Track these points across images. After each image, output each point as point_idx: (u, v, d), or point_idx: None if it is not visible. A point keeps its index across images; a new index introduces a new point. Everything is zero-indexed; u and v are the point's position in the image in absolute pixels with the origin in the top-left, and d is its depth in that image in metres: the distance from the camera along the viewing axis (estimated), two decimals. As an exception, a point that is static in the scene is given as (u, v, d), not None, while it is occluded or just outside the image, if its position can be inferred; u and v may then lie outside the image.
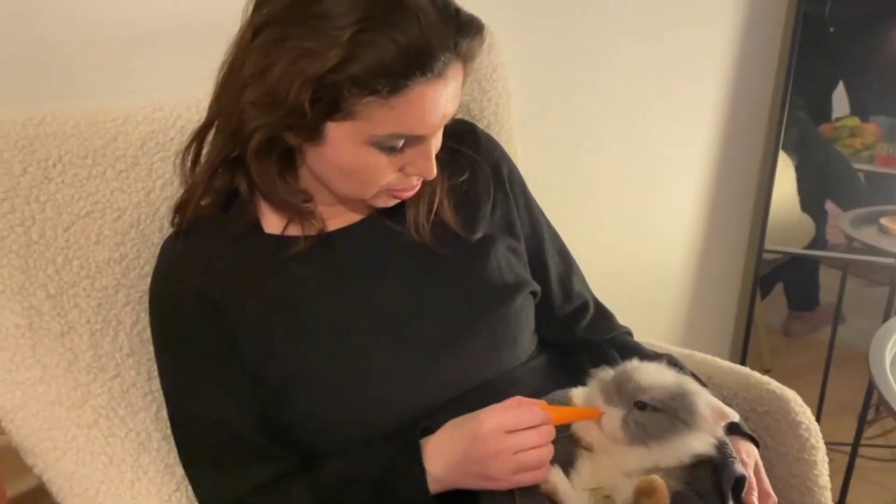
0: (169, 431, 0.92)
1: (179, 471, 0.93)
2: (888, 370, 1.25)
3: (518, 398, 0.82)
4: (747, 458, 0.89)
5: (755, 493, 0.85)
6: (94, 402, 0.89)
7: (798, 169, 2.05)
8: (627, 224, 1.73)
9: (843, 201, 2.08)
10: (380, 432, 0.86)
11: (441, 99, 0.75)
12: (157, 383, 0.92)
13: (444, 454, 0.80)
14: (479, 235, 0.96)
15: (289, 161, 0.85)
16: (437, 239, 0.93)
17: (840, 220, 1.90)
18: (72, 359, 0.88)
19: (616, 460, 0.84)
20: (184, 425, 0.90)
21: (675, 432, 0.83)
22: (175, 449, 0.92)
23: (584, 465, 0.86)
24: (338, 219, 0.92)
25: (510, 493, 0.82)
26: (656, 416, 0.83)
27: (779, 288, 2.42)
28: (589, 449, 0.87)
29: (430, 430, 0.83)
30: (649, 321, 1.77)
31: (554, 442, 0.83)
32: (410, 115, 0.74)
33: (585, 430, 0.87)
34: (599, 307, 1.12)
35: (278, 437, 0.89)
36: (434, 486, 0.81)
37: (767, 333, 2.38)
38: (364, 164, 0.78)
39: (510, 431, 0.78)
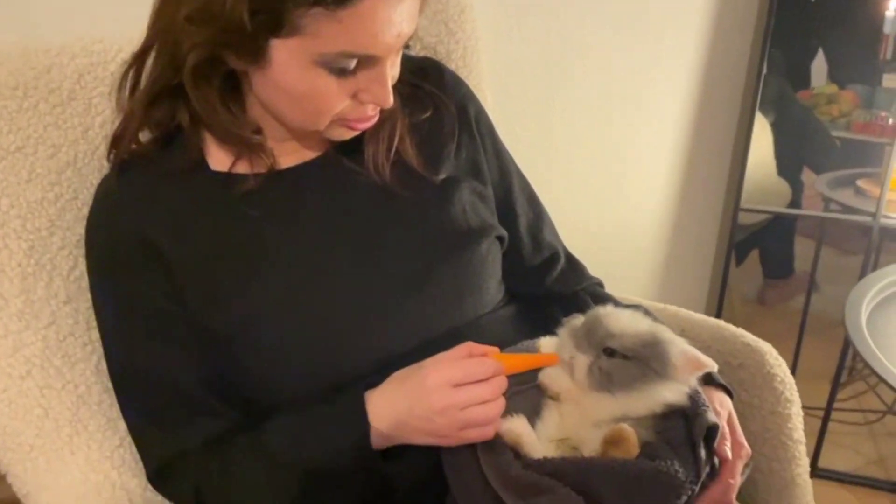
0: (111, 385, 0.86)
1: (123, 426, 0.87)
2: (864, 327, 1.22)
3: (468, 345, 0.77)
4: (721, 408, 0.84)
5: (728, 443, 0.81)
6: (27, 352, 0.83)
7: (775, 133, 2.02)
8: (602, 180, 1.68)
9: (820, 167, 2.07)
10: (336, 385, 0.81)
11: (395, 15, 0.69)
12: (97, 333, 0.86)
13: (388, 409, 0.75)
14: (442, 176, 0.90)
15: (234, 88, 0.78)
16: (398, 179, 0.87)
17: (817, 182, 1.87)
18: (1, 304, 0.81)
19: (584, 410, 0.80)
20: (124, 378, 0.84)
21: (645, 381, 0.79)
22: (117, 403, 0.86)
23: (550, 415, 0.81)
24: (291, 156, 0.86)
25: (471, 444, 0.77)
26: (625, 363, 0.78)
27: (753, 256, 2.40)
28: (556, 399, 0.82)
29: (376, 384, 0.78)
30: (624, 279, 1.73)
31: (506, 394, 0.78)
32: (361, 31, 0.68)
33: (552, 380, 0.82)
34: (570, 258, 1.07)
35: (226, 396, 0.83)
36: (379, 443, 0.76)
37: (742, 302, 2.36)
38: (313, 88, 0.72)
39: (458, 385, 0.73)
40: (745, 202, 1.81)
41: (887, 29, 2.01)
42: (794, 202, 2.19)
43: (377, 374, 0.79)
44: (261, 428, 0.80)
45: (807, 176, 2.09)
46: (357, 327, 0.82)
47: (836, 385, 1.69)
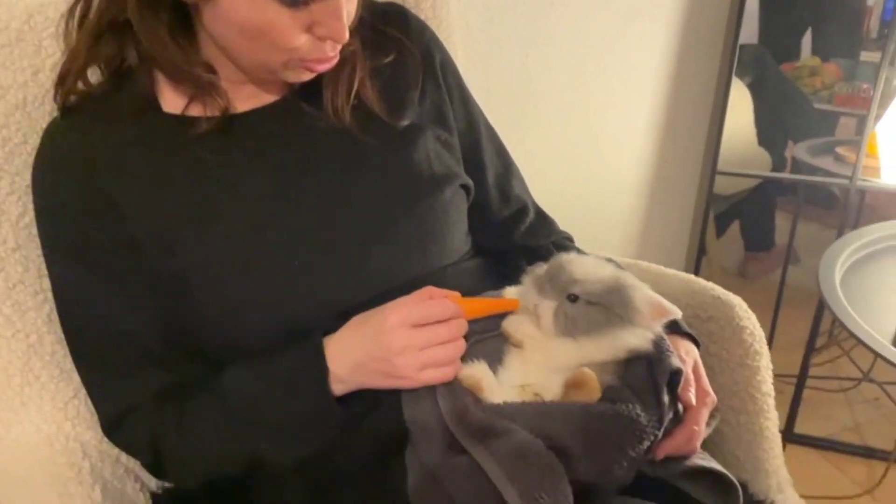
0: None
1: (77, 376, 0.85)
2: (838, 287, 1.21)
3: (428, 289, 0.76)
4: (686, 356, 0.83)
5: (692, 390, 0.80)
6: (-26, 299, 0.80)
7: (755, 102, 2.01)
8: (577, 140, 1.66)
9: (800, 136, 2.06)
10: (295, 335, 0.79)
11: None
12: (49, 282, 0.83)
13: (347, 353, 0.74)
14: (405, 123, 0.88)
15: (184, 23, 0.75)
16: (359, 125, 0.85)
17: (796, 149, 1.86)
18: (-55, 249, 0.79)
19: (546, 357, 0.79)
20: (75, 328, 0.81)
21: (608, 326, 0.77)
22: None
23: (512, 362, 0.80)
24: (248, 101, 0.83)
25: (431, 389, 0.76)
26: (589, 309, 0.77)
27: (734, 229, 2.40)
28: (519, 346, 0.81)
29: (334, 332, 0.77)
30: (600, 242, 1.71)
31: (468, 340, 0.77)
32: None
33: (515, 327, 0.81)
34: (540, 213, 1.06)
35: (182, 347, 0.81)
36: (338, 388, 0.74)
37: (722, 274, 2.36)
38: (265, 21, 0.69)
39: (417, 326, 0.72)
40: (723, 166, 1.79)
41: (870, 0, 2.02)
42: (776, 169, 2.20)
43: (336, 323, 0.77)
44: (217, 377, 0.78)
45: (788, 148, 2.10)
46: (316, 275, 0.80)
47: (809, 349, 1.68)
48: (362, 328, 0.75)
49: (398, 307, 0.74)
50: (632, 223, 1.84)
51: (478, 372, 0.76)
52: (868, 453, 1.71)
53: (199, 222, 0.78)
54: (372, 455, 0.78)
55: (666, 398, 0.76)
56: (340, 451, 0.78)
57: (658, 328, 0.80)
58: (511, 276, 0.87)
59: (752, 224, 2.40)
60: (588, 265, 0.80)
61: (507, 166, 1.02)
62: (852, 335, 1.08)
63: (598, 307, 0.77)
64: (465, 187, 0.93)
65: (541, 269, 0.82)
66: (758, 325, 0.97)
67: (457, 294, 0.77)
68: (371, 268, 0.82)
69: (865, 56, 2.06)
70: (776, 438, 0.97)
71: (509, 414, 0.73)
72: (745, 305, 0.98)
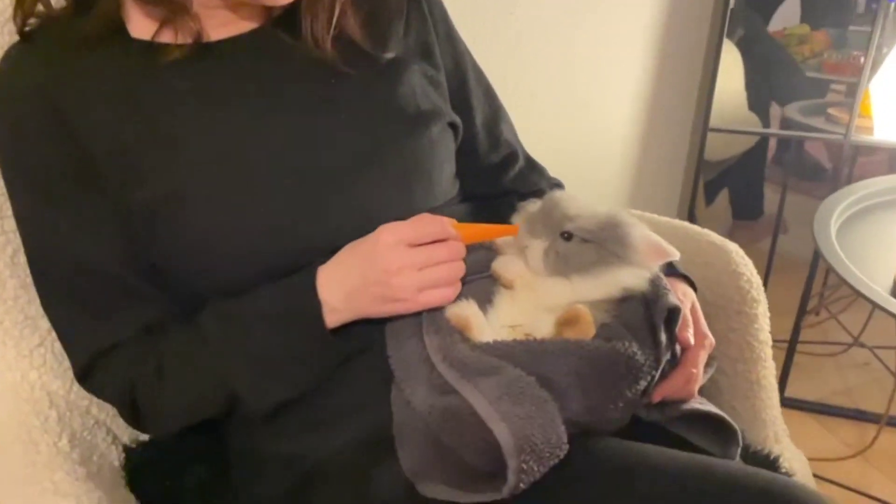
0: (30, 279, 0.79)
1: (44, 324, 0.81)
2: (834, 240, 1.18)
3: (423, 215, 0.73)
4: (683, 297, 0.80)
5: (690, 330, 0.76)
6: (-70, 239, 0.75)
7: (746, 66, 1.98)
8: (566, 94, 1.62)
9: (789, 100, 2.04)
10: (270, 277, 0.74)
11: None
12: (11, 223, 0.79)
13: (340, 280, 0.70)
14: (390, 55, 0.83)
15: None
16: (341, 56, 0.80)
17: (788, 109, 1.83)
18: None
19: (538, 296, 0.75)
20: (43, 266, 0.77)
21: (603, 265, 0.74)
22: (38, 299, 0.79)
23: (503, 302, 0.76)
24: (223, 28, 0.78)
25: (418, 329, 0.72)
26: (582, 247, 0.74)
27: (723, 198, 2.37)
28: (509, 287, 0.77)
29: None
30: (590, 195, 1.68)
31: (465, 281, 0.73)
32: None
33: (506, 267, 0.77)
34: (529, 160, 1.02)
35: (158, 284, 0.77)
36: (332, 318, 0.71)
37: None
38: None
39: (413, 245, 0.69)
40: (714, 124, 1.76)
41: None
42: (765, 137, 2.18)
43: (320, 260, 0.73)
44: (199, 314, 0.74)
45: (779, 112, 2.07)
46: (294, 212, 0.75)
47: (801, 311, 1.66)
48: (355, 251, 0.71)
49: (392, 227, 0.70)
50: (622, 182, 1.81)
51: (466, 310, 0.72)
52: (859, 416, 1.70)
53: (170, 150, 0.74)
54: (361, 399, 0.74)
55: (663, 337, 0.73)
56: (328, 396, 0.74)
57: (655, 268, 0.77)
58: (499, 223, 0.84)
59: (740, 192, 2.37)
60: (582, 202, 0.77)
61: (495, 109, 0.98)
62: (851, 287, 1.06)
63: (592, 245, 0.74)
64: (452, 126, 0.88)
65: (533, 206, 0.79)
66: (755, 271, 0.94)
67: (452, 220, 0.74)
68: (351, 205, 0.78)
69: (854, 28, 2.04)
70: (773, 388, 0.95)
71: (499, 352, 0.69)
72: (741, 252, 0.95)
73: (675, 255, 0.76)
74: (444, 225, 0.71)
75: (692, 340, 0.76)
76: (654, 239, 0.76)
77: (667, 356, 0.73)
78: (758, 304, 0.92)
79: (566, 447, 0.65)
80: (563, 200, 0.77)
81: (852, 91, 1.77)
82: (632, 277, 0.75)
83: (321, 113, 0.79)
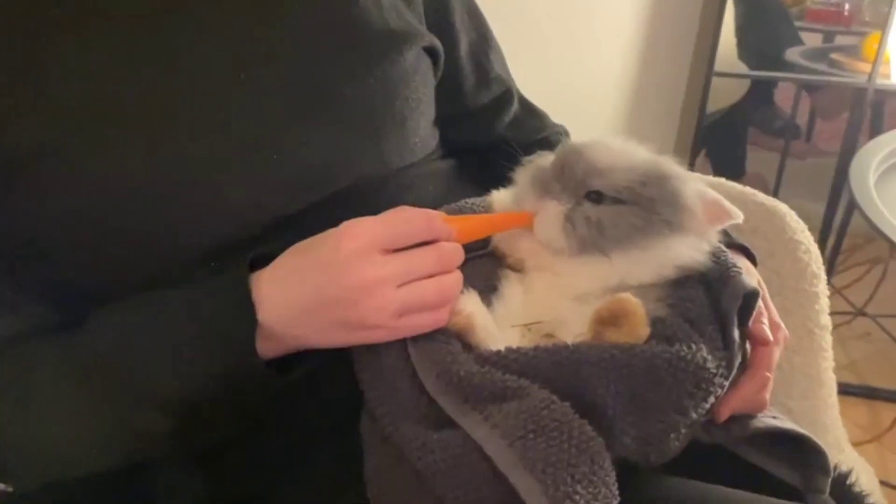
0: None
1: None
2: (872, 189, 1.01)
3: (402, 207, 0.52)
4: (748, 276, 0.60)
5: (765, 321, 0.57)
6: None
7: (737, 12, 1.82)
8: (560, 35, 1.40)
9: (779, 49, 1.89)
10: (183, 266, 0.54)
11: None
12: None
13: (286, 295, 0.49)
14: None
15: None
16: None
17: (789, 53, 1.66)
18: None
19: (560, 281, 0.55)
20: None
21: (649, 233, 0.54)
22: None
23: (512, 292, 0.56)
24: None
25: (401, 342, 0.51)
26: (619, 210, 0.53)
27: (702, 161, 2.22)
28: (518, 269, 0.57)
29: (265, 260, 0.51)
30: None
31: (463, 266, 0.52)
32: None
33: (513, 242, 0.56)
34: (525, 101, 0.81)
35: (22, 282, 0.55)
36: (268, 347, 0.50)
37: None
38: None
39: (389, 251, 0.49)
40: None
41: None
42: (752, 91, 2.02)
43: (252, 247, 0.52)
44: (79, 329, 0.52)
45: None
46: (208, 175, 0.53)
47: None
48: (308, 256, 0.50)
49: (359, 226, 0.49)
50: (616, 127, 1.59)
51: (466, 304, 0.51)
52: (870, 394, 1.54)
53: (25, 94, 0.50)
54: (319, 433, 0.53)
55: (736, 334, 0.53)
56: (276, 431, 0.53)
57: (714, 236, 0.57)
58: (494, 183, 0.63)
59: (723, 150, 2.23)
60: (615, 149, 0.56)
61: (483, 35, 0.76)
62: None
63: (631, 207, 0.53)
64: (431, 53, 0.67)
65: (543, 159, 0.58)
66: (812, 240, 0.75)
67: (441, 213, 0.53)
68: (300, 161, 0.57)
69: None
70: (833, 384, 0.76)
71: (517, 365, 0.48)
72: (795, 215, 0.76)
73: (739, 217, 0.56)
74: (432, 219, 0.50)
75: (769, 335, 0.56)
76: (713, 196, 0.56)
77: (739, 358, 0.54)
78: (818, 280, 0.73)
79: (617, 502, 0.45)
80: (588, 148, 0.56)
81: (830, 38, 1.64)
82: (689, 250, 0.55)
83: (247, 39, 0.56)
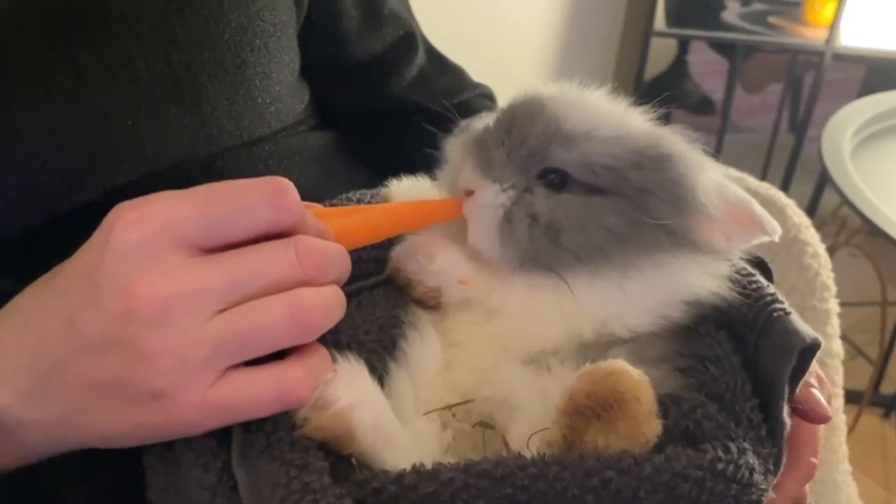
0: None
1: None
2: (848, 163, 0.85)
3: (227, 181, 0.31)
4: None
5: (815, 380, 0.37)
6: None
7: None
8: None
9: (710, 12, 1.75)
10: None
11: None
12: None
13: (17, 344, 0.29)
14: None
15: None
16: None
17: (727, 14, 1.50)
18: None
19: (504, 327, 0.34)
20: None
21: (639, 246, 0.34)
22: None
23: (424, 347, 0.34)
24: None
25: (211, 446, 0.28)
26: (591, 204, 0.34)
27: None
28: (432, 304, 0.35)
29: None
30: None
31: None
32: None
33: (423, 256, 0.34)
34: (435, 53, 0.59)
35: None
36: (3, 451, 0.30)
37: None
38: None
39: (202, 250, 0.29)
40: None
41: None
42: (678, 60, 1.87)
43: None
44: None
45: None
46: None
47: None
48: (58, 277, 0.30)
49: (144, 204, 0.29)
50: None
51: (344, 391, 0.28)
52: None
53: None
54: None
55: (786, 412, 0.32)
56: None
57: (737, 253, 0.36)
58: (392, 163, 0.46)
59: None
60: (595, 107, 0.35)
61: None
62: (873, 226, 0.73)
63: (612, 201, 0.34)
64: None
65: (481, 120, 0.36)
66: (818, 238, 0.56)
67: (314, 205, 0.36)
68: (94, 137, 0.36)
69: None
70: (843, 429, 0.59)
71: (432, 503, 0.26)
72: (795, 206, 0.57)
73: (775, 232, 0.35)
74: (279, 192, 0.29)
75: (827, 407, 0.36)
76: (738, 194, 0.36)
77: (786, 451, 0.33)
78: (829, 293, 0.54)
79: None
80: (554, 102, 0.35)
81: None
82: (701, 276, 0.35)
83: None
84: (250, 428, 0.28)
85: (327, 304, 0.29)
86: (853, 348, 1.36)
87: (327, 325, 0.29)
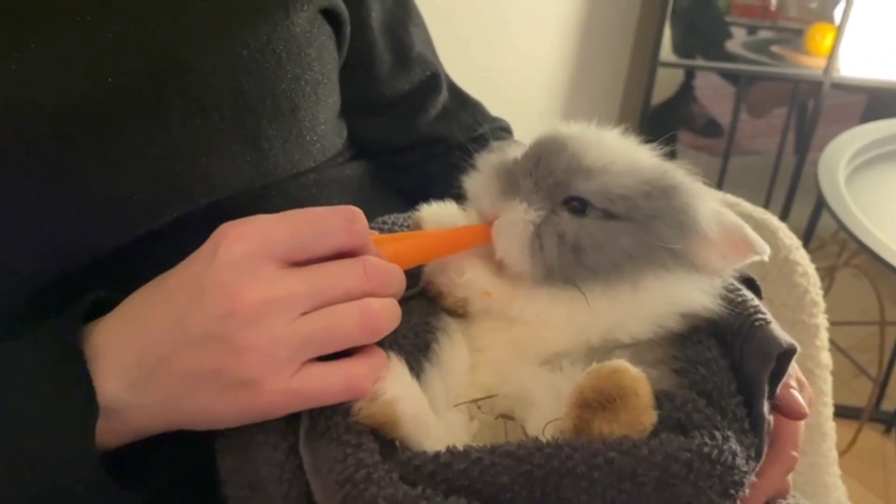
0: None
1: None
2: (843, 190, 0.90)
3: (309, 208, 0.36)
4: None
5: (794, 382, 0.42)
6: None
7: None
8: (488, 18, 1.23)
9: (710, 47, 1.81)
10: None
11: None
12: None
13: (127, 340, 0.34)
14: None
15: None
16: None
17: (731, 44, 1.55)
18: None
19: (522, 333, 0.39)
20: None
21: (648, 266, 0.39)
22: None
23: (453, 350, 0.39)
24: None
25: (280, 427, 0.34)
26: (609, 228, 0.39)
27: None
28: (460, 313, 0.40)
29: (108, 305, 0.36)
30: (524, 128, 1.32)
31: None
32: None
33: (454, 272, 0.40)
34: (456, 90, 0.65)
35: None
36: (108, 430, 0.34)
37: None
38: None
39: (288, 263, 0.34)
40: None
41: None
42: (685, 85, 1.93)
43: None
44: None
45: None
46: (18, 194, 0.38)
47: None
48: (167, 282, 0.35)
49: (247, 223, 0.34)
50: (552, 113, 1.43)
51: (390, 387, 0.34)
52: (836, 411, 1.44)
53: None
54: None
55: (767, 407, 0.37)
56: None
57: (730, 271, 0.42)
58: (419, 191, 0.50)
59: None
60: (611, 145, 0.41)
61: (401, 2, 0.59)
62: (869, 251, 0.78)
63: (626, 225, 0.39)
64: (331, 17, 0.50)
65: (507, 151, 0.42)
66: (808, 258, 0.61)
67: (373, 231, 0.40)
68: (174, 171, 0.41)
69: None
70: (833, 434, 0.63)
71: (466, 479, 0.32)
72: (787, 229, 0.62)
73: (765, 252, 0.41)
74: (353, 219, 0.35)
75: (804, 405, 0.41)
76: (733, 220, 0.41)
77: (768, 442, 0.38)
78: (818, 308, 0.60)
79: None
80: (575, 140, 0.41)
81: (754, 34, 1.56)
82: (697, 292, 0.39)
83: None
84: (313, 414, 0.33)
85: (389, 313, 0.35)
86: (854, 366, 1.39)
87: (389, 330, 0.35)
